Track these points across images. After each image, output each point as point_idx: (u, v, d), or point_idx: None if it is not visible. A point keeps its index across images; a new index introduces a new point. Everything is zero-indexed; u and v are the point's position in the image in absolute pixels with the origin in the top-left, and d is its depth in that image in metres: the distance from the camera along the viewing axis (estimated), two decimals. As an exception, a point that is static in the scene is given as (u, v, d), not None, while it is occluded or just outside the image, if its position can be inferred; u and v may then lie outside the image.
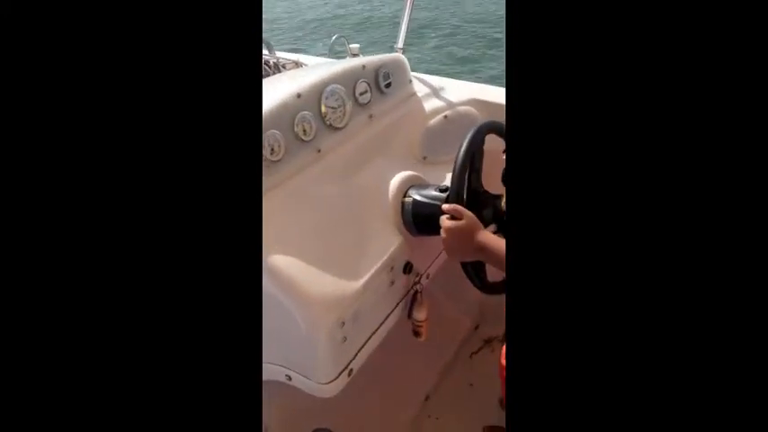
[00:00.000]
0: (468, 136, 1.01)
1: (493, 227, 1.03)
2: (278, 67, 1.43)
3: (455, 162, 0.99)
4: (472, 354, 1.69)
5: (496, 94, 1.49)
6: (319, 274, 0.94)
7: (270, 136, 0.96)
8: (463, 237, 0.94)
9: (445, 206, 0.98)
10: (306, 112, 1.03)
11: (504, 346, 1.25)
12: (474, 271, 1.03)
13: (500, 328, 1.70)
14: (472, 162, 1.03)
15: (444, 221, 0.96)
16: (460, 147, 1.00)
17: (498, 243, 0.91)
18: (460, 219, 0.95)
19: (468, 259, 0.99)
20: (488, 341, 1.71)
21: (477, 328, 1.76)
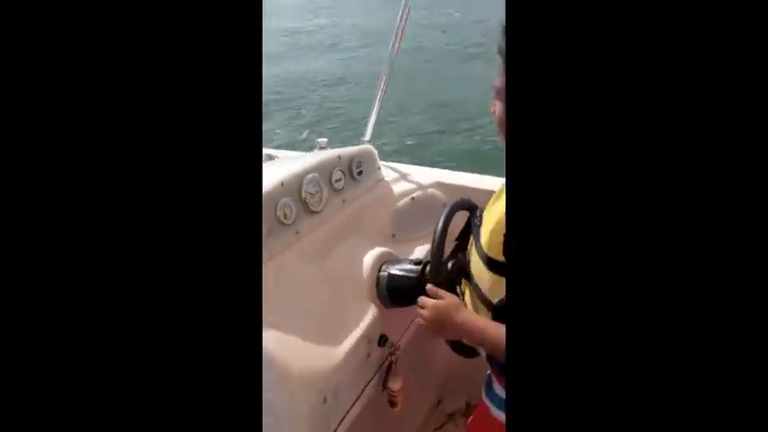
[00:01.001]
0: (444, 213, 1.06)
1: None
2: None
3: (433, 237, 1.03)
4: (436, 429, 1.73)
5: (459, 178, 1.64)
6: (301, 349, 0.99)
7: None
8: (443, 316, 0.99)
9: (429, 286, 1.03)
10: (287, 199, 1.12)
11: (468, 420, 1.30)
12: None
13: (461, 402, 1.76)
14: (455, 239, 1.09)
15: (425, 300, 1.02)
16: (437, 223, 1.05)
17: (477, 322, 0.96)
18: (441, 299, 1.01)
19: (449, 338, 1.05)
20: (452, 415, 1.75)
21: (439, 403, 1.80)
